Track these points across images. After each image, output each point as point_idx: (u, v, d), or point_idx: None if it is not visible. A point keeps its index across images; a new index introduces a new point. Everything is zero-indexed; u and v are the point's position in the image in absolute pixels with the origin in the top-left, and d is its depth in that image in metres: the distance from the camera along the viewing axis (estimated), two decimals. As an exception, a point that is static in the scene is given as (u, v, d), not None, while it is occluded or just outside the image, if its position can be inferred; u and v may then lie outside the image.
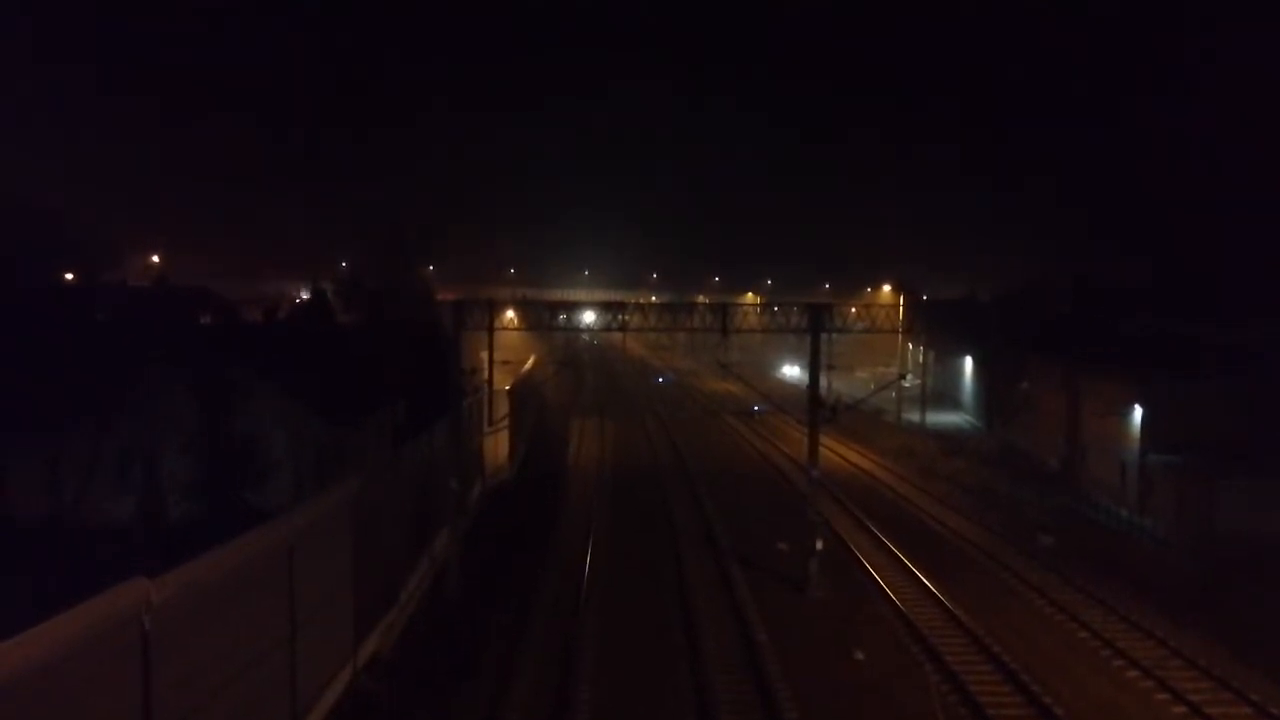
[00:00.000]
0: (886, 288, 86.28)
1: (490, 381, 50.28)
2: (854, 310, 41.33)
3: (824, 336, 36.09)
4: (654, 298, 76.98)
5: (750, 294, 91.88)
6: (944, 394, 73.25)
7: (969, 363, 71.33)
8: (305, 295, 61.43)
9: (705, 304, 73.64)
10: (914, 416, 66.12)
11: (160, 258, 72.53)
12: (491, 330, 52.91)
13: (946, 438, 59.24)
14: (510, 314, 62.57)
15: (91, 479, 31.55)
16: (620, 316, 34.87)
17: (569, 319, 65.25)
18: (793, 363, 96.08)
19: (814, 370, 31.46)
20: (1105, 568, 30.72)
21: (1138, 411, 42.52)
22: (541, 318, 38.45)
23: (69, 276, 56.51)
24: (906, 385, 65.71)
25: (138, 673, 9.53)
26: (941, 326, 66.85)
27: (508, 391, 50.17)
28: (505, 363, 56.59)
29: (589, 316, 66.65)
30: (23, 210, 46.19)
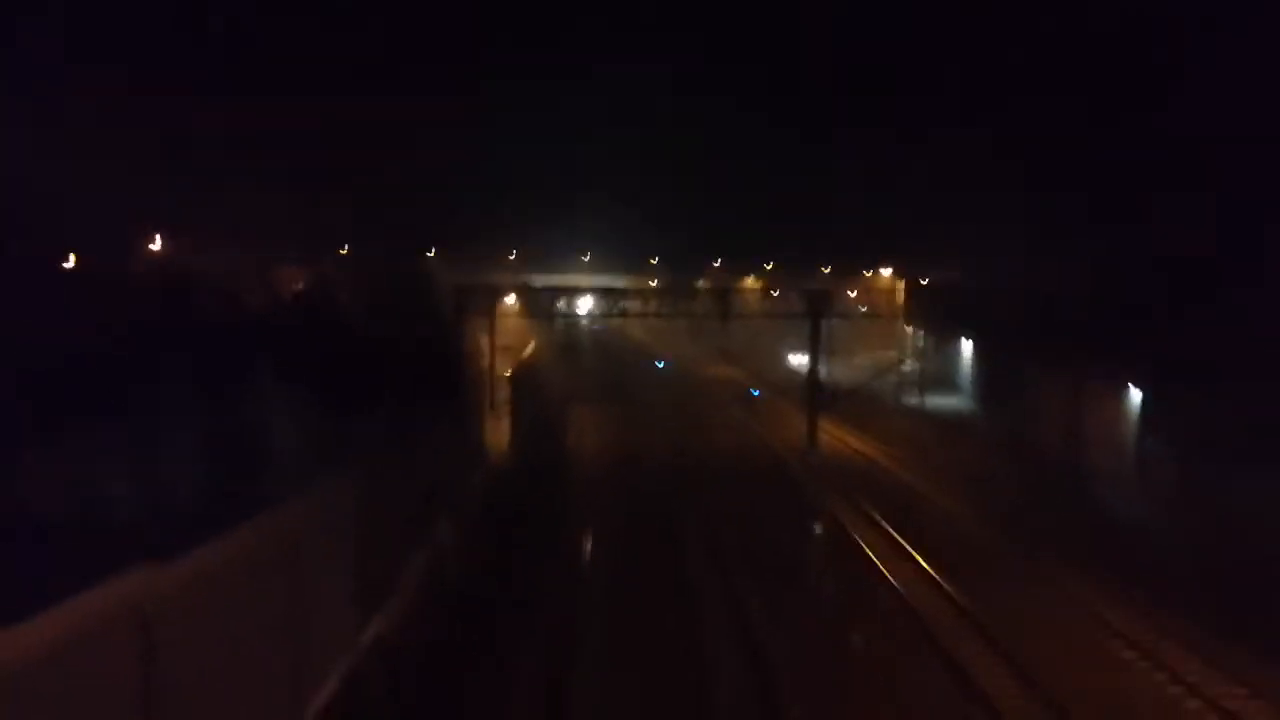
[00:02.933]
0: (886, 271, 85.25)
1: (491, 367, 50.38)
2: (853, 294, 41.29)
3: (825, 322, 36.31)
4: (654, 282, 76.45)
5: (751, 278, 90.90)
6: (943, 377, 73.24)
7: (968, 346, 71.26)
8: (304, 282, 61.51)
9: (706, 289, 73.45)
10: (915, 400, 66.19)
11: (162, 243, 72.29)
12: (493, 316, 52.86)
13: (944, 422, 59.34)
14: (511, 298, 62.48)
15: (93, 470, 31.60)
16: (620, 303, 34.96)
17: (569, 304, 65.27)
18: (796, 350, 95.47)
19: (814, 355, 31.59)
20: (1106, 555, 30.74)
21: (1137, 396, 42.49)
22: (541, 303, 38.55)
23: (69, 264, 56.46)
24: (906, 370, 65.70)
25: (139, 662, 9.59)
26: (940, 310, 66.78)
27: (509, 377, 50.26)
28: (506, 348, 56.66)
29: (589, 302, 66.70)
30: (19, 192, 45.78)
